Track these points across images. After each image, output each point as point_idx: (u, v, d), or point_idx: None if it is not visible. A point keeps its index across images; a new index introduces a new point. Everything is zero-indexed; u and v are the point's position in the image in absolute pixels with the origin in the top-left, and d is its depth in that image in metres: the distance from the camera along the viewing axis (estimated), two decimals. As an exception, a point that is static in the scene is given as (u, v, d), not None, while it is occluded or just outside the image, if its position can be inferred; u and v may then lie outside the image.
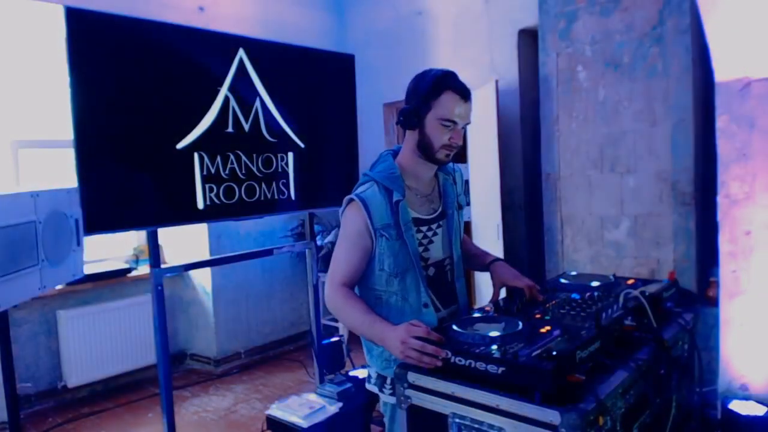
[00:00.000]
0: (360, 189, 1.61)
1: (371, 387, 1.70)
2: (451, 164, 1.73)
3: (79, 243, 2.50)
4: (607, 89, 3.23)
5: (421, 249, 1.61)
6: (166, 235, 4.11)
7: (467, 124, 1.60)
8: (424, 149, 1.59)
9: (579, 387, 1.15)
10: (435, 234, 1.66)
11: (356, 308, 1.52)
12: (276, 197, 2.78)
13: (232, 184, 2.57)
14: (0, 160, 3.54)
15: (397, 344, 1.34)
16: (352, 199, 1.59)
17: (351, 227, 1.58)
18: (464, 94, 1.56)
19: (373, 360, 1.65)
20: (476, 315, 1.51)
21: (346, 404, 2.79)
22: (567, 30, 3.34)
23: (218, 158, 2.51)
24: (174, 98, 2.37)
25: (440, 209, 1.69)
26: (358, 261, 1.58)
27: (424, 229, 1.63)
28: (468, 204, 3.99)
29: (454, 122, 1.55)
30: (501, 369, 1.16)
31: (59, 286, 3.32)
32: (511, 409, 1.14)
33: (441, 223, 1.68)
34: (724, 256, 2.51)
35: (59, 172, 3.62)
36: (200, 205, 2.46)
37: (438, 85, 1.55)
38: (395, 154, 1.69)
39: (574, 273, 1.93)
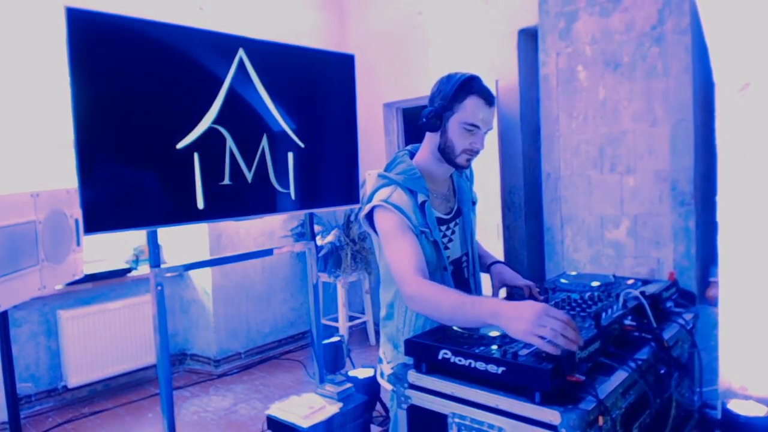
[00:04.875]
0: (384, 194, 1.56)
1: (385, 382, 1.67)
2: None
3: (79, 243, 2.50)
4: (607, 89, 3.23)
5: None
6: (166, 235, 4.12)
7: (489, 129, 1.59)
8: (445, 152, 1.59)
9: (579, 387, 1.15)
10: (453, 233, 1.68)
11: (449, 292, 1.37)
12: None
13: (232, 183, 2.57)
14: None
15: (531, 316, 1.14)
16: (380, 206, 1.54)
17: (393, 224, 1.52)
18: (489, 99, 1.56)
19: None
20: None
21: (346, 404, 2.79)
22: (567, 30, 3.34)
23: (218, 158, 2.51)
24: (174, 98, 2.37)
25: (456, 207, 1.71)
26: (418, 249, 1.49)
27: (443, 228, 1.64)
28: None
29: (477, 127, 1.55)
30: (501, 369, 1.15)
31: (59, 286, 3.32)
32: (511, 409, 1.14)
33: (458, 221, 1.70)
34: (724, 256, 2.51)
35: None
36: (200, 205, 2.46)
37: (463, 89, 1.54)
38: (411, 154, 1.68)
39: (574, 273, 1.93)
